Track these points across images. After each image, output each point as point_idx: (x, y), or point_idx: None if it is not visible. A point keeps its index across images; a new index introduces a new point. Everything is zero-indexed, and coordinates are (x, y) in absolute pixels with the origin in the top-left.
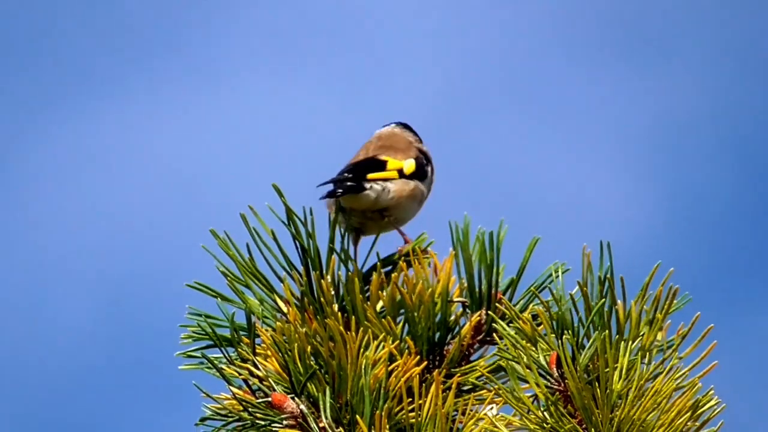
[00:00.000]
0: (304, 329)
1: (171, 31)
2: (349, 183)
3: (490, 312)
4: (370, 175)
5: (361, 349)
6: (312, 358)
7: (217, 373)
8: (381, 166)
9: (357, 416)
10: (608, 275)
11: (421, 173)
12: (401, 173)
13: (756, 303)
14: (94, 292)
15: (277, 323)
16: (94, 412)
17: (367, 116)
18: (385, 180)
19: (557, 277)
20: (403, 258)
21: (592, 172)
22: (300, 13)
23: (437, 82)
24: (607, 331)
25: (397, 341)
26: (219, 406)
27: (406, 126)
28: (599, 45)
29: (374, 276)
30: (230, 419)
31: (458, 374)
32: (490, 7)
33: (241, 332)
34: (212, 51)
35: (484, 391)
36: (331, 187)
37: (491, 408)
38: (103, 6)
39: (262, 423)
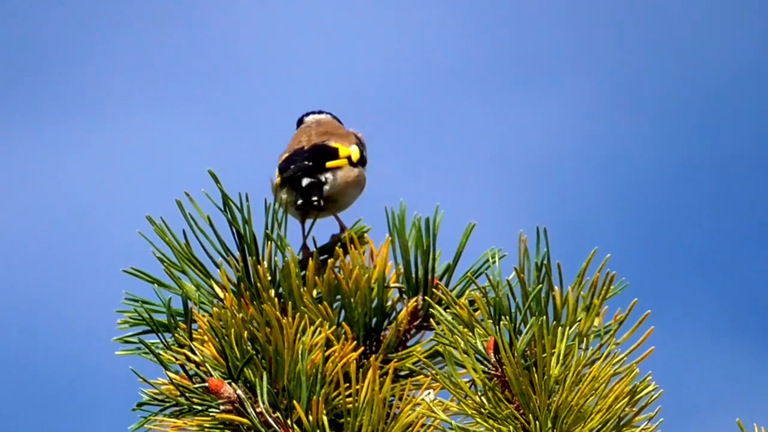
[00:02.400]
0: (240, 315)
1: (52, 66)
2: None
3: (426, 297)
4: (328, 164)
5: (298, 335)
6: (249, 344)
7: (154, 359)
8: (334, 153)
9: (294, 401)
10: (545, 261)
11: (362, 160)
12: (350, 160)
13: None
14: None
15: (214, 309)
16: (35, 396)
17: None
18: (336, 168)
19: (494, 262)
20: (339, 244)
21: (469, 195)
22: (183, 47)
23: (323, 104)
24: (544, 317)
25: (334, 327)
26: (156, 391)
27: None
28: (488, 72)
29: (311, 261)
30: (167, 404)
31: (395, 360)
32: (377, 29)
33: (178, 318)
34: (94, 86)
35: (421, 376)
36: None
37: (428, 393)
38: None
39: (199, 408)
